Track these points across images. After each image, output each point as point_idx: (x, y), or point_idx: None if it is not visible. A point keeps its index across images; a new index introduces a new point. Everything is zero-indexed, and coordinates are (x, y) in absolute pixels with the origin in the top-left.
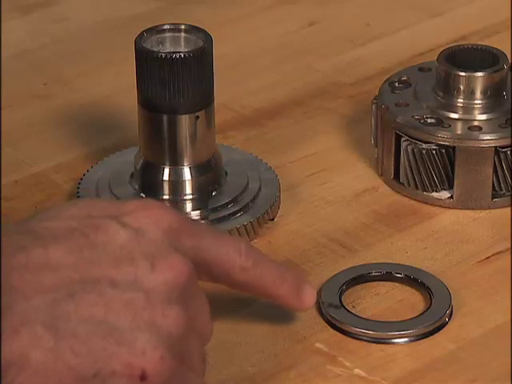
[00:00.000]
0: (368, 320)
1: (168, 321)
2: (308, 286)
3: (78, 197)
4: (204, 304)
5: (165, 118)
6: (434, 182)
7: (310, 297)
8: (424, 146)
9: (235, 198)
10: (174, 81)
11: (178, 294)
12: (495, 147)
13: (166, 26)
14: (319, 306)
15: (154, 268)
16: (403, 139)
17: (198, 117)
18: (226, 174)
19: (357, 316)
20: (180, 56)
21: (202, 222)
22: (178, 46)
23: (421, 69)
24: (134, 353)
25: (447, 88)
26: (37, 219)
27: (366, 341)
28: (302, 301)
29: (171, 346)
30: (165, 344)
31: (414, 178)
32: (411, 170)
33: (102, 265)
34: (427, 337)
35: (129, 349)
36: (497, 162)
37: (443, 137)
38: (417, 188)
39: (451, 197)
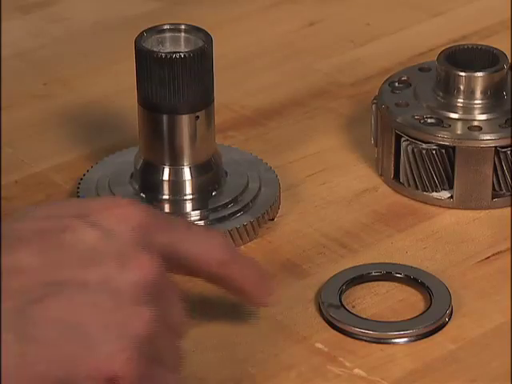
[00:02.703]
0: (368, 320)
1: (137, 322)
2: (270, 282)
3: (78, 197)
4: (176, 299)
5: (165, 118)
6: (434, 182)
7: (269, 294)
8: (424, 145)
9: (235, 198)
10: (174, 81)
11: (147, 293)
12: (495, 147)
13: (166, 26)
14: (319, 306)
15: (122, 268)
16: (403, 139)
17: (197, 117)
18: (226, 174)
19: (357, 316)
20: (180, 56)
21: (202, 222)
22: (178, 46)
23: (421, 69)
24: (102, 356)
25: (447, 88)
26: (7, 221)
27: (366, 341)
28: (265, 297)
29: (140, 347)
30: (133, 345)
31: (414, 178)
32: (411, 170)
33: (69, 266)
34: (427, 337)
35: (97, 352)
36: (497, 162)
37: (443, 137)
38: (417, 188)
39: (451, 197)
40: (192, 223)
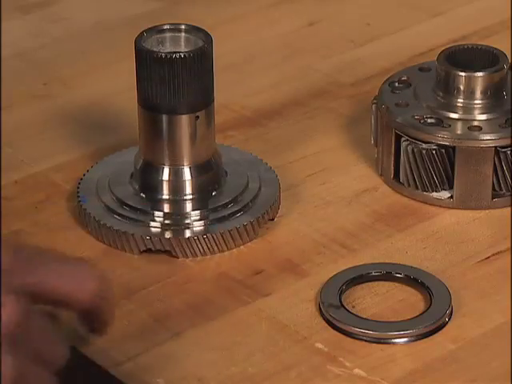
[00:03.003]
0: (368, 320)
1: None
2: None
3: (78, 197)
4: (48, 335)
5: (165, 118)
6: (434, 182)
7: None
8: (424, 145)
9: (235, 198)
10: (174, 81)
11: (6, 341)
12: (495, 147)
13: (166, 26)
14: (319, 306)
15: None
16: (403, 139)
17: (197, 117)
18: (226, 173)
19: (357, 316)
20: (180, 56)
21: (202, 222)
22: (178, 46)
23: (421, 69)
24: None
25: (447, 88)
26: None
27: (366, 341)
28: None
29: None
30: None
31: (413, 178)
32: (411, 170)
33: None
34: (427, 337)
35: None
36: (497, 162)
37: (443, 137)
38: (417, 188)
39: (451, 197)
40: (60, 257)
